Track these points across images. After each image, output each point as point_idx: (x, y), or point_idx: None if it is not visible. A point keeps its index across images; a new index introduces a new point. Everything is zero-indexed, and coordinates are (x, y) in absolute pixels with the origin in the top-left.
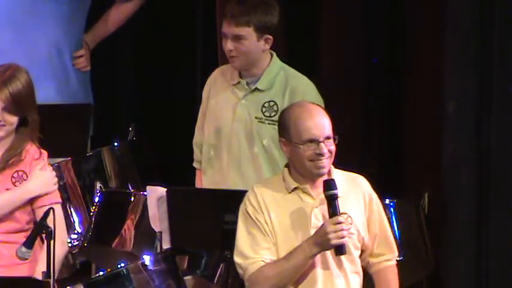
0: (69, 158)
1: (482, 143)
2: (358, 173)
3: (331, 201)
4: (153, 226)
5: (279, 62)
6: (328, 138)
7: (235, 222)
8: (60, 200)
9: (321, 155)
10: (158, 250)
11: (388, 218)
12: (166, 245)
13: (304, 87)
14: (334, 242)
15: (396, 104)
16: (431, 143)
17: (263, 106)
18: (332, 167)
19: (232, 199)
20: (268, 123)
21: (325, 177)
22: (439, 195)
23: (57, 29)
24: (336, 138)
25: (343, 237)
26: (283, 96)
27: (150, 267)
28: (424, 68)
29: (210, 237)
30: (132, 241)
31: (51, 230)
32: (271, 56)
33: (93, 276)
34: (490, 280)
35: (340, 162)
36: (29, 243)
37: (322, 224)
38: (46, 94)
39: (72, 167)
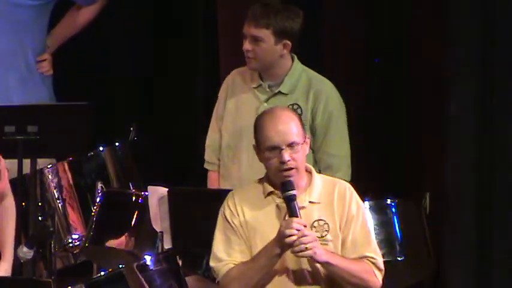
0: (70, 158)
1: (484, 143)
2: (362, 174)
3: (289, 202)
4: (154, 226)
5: (300, 65)
6: (291, 145)
7: None
8: None
9: (283, 162)
10: (159, 250)
11: (390, 218)
12: (167, 245)
13: (328, 91)
14: (286, 240)
15: (398, 103)
16: (432, 143)
17: None
18: (313, 170)
19: None
20: None
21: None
22: (440, 195)
23: (22, 33)
24: (306, 141)
25: (291, 236)
26: (306, 99)
27: (152, 267)
28: (425, 68)
29: (211, 237)
30: (134, 241)
31: (52, 230)
32: (293, 59)
33: (94, 276)
34: (491, 280)
35: None
36: (30, 244)
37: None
38: (16, 99)
39: (70, 168)
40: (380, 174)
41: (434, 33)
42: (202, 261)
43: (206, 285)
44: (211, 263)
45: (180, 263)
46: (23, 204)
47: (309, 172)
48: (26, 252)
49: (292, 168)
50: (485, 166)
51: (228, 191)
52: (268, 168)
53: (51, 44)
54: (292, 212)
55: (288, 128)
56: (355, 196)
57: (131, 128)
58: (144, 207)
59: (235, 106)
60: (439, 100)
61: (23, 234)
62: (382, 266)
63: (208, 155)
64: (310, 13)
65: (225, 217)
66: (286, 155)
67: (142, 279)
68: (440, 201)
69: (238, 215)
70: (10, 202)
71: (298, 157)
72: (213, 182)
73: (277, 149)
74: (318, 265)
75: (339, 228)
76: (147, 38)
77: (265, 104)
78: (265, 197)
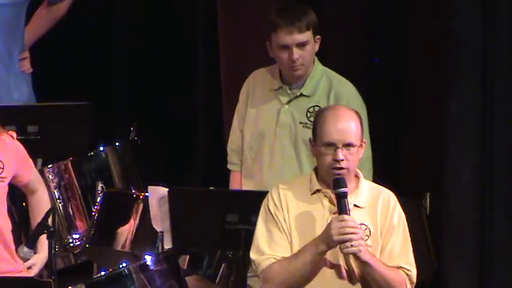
0: (70, 158)
1: (485, 142)
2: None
3: (340, 198)
4: (154, 226)
5: (321, 66)
6: (348, 145)
7: (237, 222)
8: None
9: (336, 161)
10: (160, 250)
11: None
12: (167, 245)
13: (349, 93)
14: (336, 238)
15: (398, 103)
16: (433, 142)
17: (308, 111)
18: (361, 175)
19: (234, 199)
20: None
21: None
22: (441, 195)
23: (6, 32)
24: (362, 145)
25: (345, 234)
26: (327, 101)
27: (152, 268)
28: (425, 68)
29: (212, 237)
30: (134, 241)
31: (53, 230)
32: (314, 60)
33: (95, 276)
34: (492, 280)
35: None
36: (31, 243)
37: (330, 221)
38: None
39: (72, 168)
40: (380, 174)
41: (434, 33)
42: (203, 261)
43: (206, 285)
44: (252, 255)
45: (186, 260)
46: (23, 204)
47: (357, 177)
48: (26, 252)
49: (343, 168)
50: (485, 166)
51: (229, 192)
52: (320, 163)
53: (27, 41)
54: (342, 209)
55: (349, 127)
56: (398, 206)
57: (131, 128)
58: (144, 208)
59: (256, 108)
60: (439, 100)
61: (23, 234)
62: (414, 280)
63: (231, 156)
64: None
65: (269, 210)
66: (341, 154)
67: (150, 278)
68: (440, 201)
69: (283, 209)
70: (42, 192)
71: (351, 159)
72: (236, 183)
73: (333, 146)
74: (353, 264)
75: (380, 236)
76: (147, 38)
77: (287, 106)
78: (311, 194)
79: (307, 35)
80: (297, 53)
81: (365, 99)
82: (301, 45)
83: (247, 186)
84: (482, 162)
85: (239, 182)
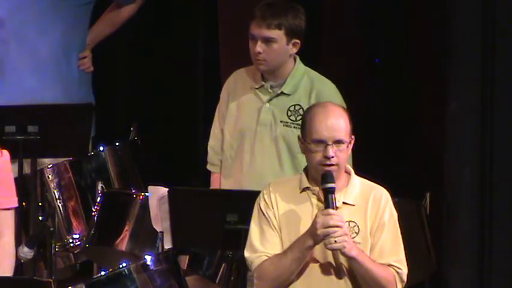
0: (70, 158)
1: (485, 142)
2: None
3: (326, 194)
4: (154, 226)
5: (302, 66)
6: (338, 142)
7: (237, 222)
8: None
9: (327, 158)
10: (160, 250)
11: None
12: (167, 245)
13: (330, 91)
14: (320, 231)
15: (398, 103)
16: (433, 142)
17: (288, 110)
18: (352, 172)
19: (234, 199)
20: (294, 127)
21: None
22: (441, 195)
23: (63, 30)
24: (351, 141)
25: (328, 227)
26: (308, 100)
27: (152, 267)
28: (425, 67)
29: (212, 237)
30: (134, 241)
31: (52, 230)
32: (295, 60)
33: (95, 276)
34: (492, 280)
35: None
36: (30, 244)
37: (316, 215)
38: (53, 96)
39: (70, 168)
40: (380, 174)
41: (434, 33)
42: (203, 261)
43: (206, 285)
44: (246, 253)
45: (186, 260)
46: (23, 204)
47: (348, 173)
48: (26, 252)
49: (333, 165)
50: (486, 166)
51: (229, 192)
52: (309, 160)
53: (90, 41)
54: (328, 204)
55: (338, 124)
56: (390, 204)
57: (131, 128)
58: (144, 207)
59: (237, 107)
60: (439, 100)
61: (23, 234)
62: (405, 278)
63: (211, 157)
64: (310, 13)
65: (260, 208)
66: (332, 150)
67: (150, 278)
68: (440, 201)
69: (272, 207)
70: (6, 242)
71: (341, 155)
72: (215, 184)
73: (323, 143)
74: (342, 259)
75: (370, 233)
76: (148, 38)
77: (267, 105)
78: (300, 192)
79: (275, 33)
80: (261, 46)
81: (365, 99)
82: (266, 40)
83: (226, 185)
84: (482, 162)
85: (218, 184)
